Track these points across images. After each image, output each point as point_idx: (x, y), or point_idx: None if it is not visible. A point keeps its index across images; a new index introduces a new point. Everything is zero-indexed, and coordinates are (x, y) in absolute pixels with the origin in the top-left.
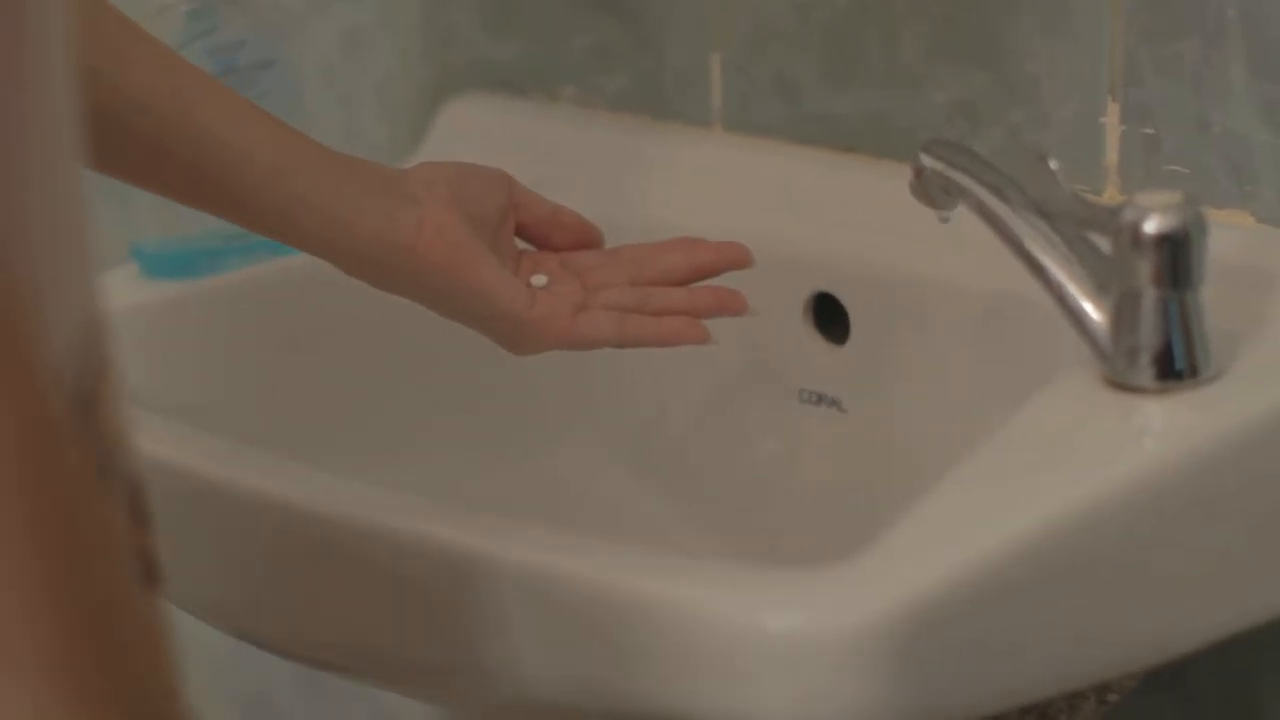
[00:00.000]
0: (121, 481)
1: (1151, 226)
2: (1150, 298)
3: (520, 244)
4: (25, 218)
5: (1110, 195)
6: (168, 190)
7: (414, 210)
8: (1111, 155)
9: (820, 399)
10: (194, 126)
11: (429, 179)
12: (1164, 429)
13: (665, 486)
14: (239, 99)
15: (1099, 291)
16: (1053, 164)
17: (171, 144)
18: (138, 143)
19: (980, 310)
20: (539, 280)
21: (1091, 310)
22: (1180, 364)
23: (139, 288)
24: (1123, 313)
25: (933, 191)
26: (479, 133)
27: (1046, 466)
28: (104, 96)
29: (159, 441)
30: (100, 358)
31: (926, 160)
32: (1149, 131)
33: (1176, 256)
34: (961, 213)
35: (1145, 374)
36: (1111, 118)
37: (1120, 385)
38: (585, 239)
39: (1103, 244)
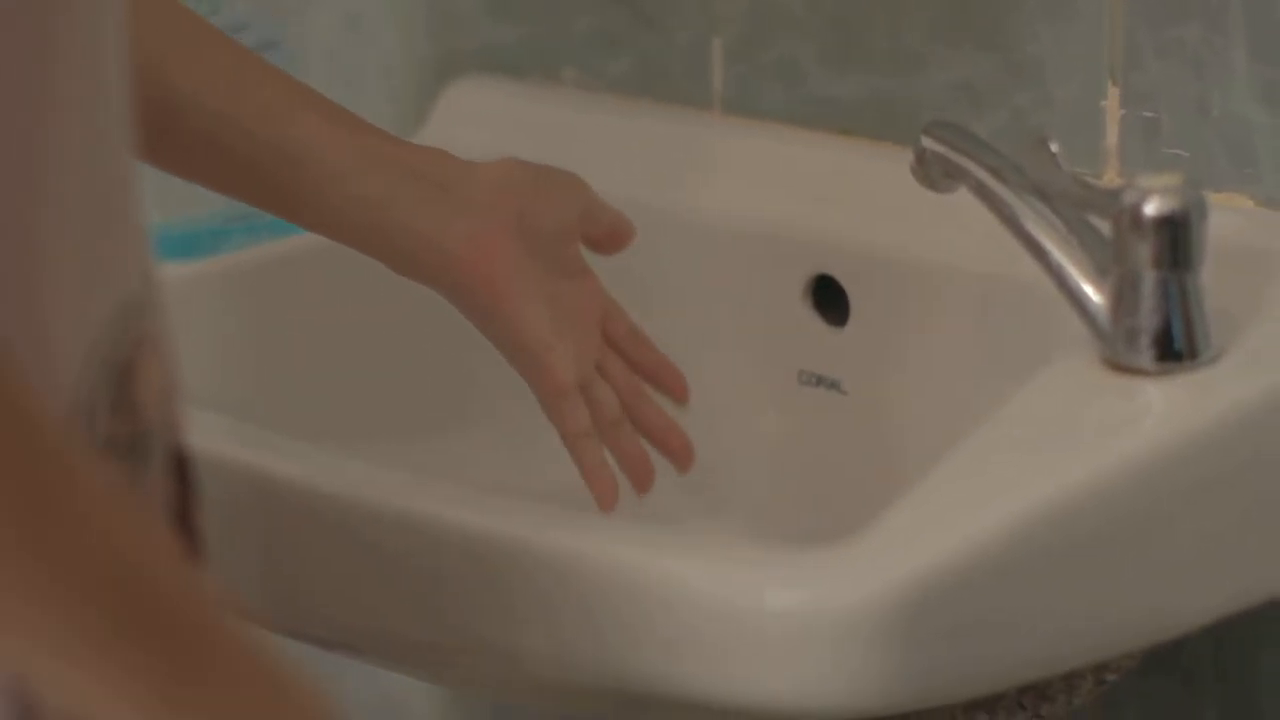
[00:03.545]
0: (160, 451)
1: (1151, 209)
2: (1150, 280)
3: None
4: (43, 198)
5: (1110, 178)
6: (218, 183)
7: (471, 222)
8: (1112, 138)
9: (820, 381)
10: (248, 118)
11: (499, 184)
12: (1163, 410)
13: (666, 467)
14: (298, 88)
15: (1099, 273)
16: (1053, 147)
17: (226, 137)
18: (194, 135)
19: (980, 292)
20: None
21: (1091, 292)
22: (1179, 346)
23: None
24: (1122, 295)
25: (934, 174)
26: (481, 115)
27: (1046, 447)
28: (160, 87)
29: None
30: (140, 330)
31: (927, 143)
32: (1149, 115)
33: (1176, 238)
34: (962, 195)
35: (1145, 355)
36: (1112, 101)
37: (1119, 367)
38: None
39: (1103, 226)
